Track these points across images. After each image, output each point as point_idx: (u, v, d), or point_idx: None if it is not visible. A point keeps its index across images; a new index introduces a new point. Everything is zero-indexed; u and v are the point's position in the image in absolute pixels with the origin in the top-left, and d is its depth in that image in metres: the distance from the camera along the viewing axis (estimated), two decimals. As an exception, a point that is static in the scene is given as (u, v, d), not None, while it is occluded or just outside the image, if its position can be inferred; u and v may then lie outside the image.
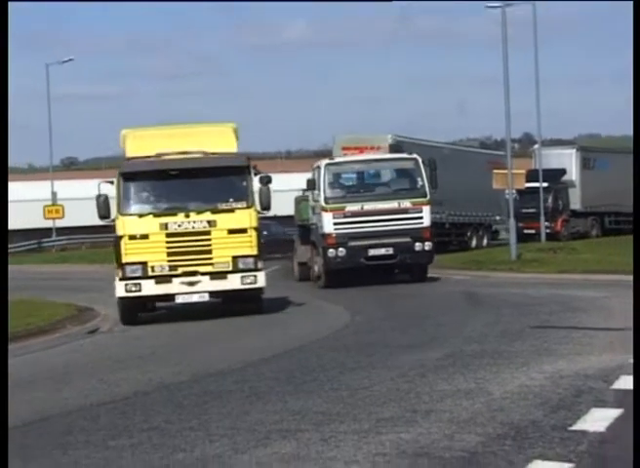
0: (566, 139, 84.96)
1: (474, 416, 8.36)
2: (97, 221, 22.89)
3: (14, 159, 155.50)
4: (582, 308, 18.33)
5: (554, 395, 9.25)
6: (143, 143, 21.81)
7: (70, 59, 70.73)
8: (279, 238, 41.85)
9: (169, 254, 20.59)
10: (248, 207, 20.66)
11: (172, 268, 20.56)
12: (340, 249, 26.76)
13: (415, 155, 28.21)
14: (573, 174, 51.20)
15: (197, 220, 20.57)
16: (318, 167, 28.19)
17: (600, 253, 35.64)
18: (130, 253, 20.61)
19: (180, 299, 20.88)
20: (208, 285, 20.55)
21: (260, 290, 20.69)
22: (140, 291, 20.48)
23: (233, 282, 20.40)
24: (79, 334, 21.24)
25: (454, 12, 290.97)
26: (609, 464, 6.62)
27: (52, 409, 10.63)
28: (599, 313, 17.43)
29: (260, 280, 20.50)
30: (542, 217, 47.37)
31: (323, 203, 27.23)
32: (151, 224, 20.66)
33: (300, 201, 30.98)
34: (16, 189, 75.05)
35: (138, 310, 21.43)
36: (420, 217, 27.09)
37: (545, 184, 45.65)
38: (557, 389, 9.55)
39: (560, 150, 51.64)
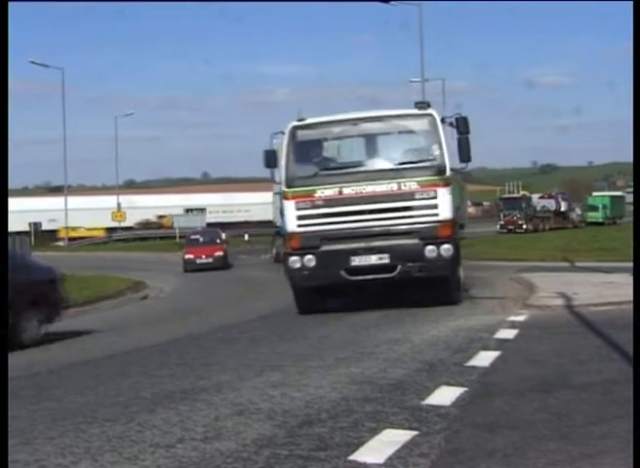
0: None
1: (401, 357, 8.35)
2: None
3: (94, 181, 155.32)
4: (475, 284, 18.32)
5: (455, 342, 9.24)
6: None
7: (131, 113, 73.75)
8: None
9: None
10: None
11: None
12: (308, 256, 12.57)
13: (431, 110, 12.94)
14: None
15: None
16: (282, 132, 13.09)
17: (487, 246, 35.72)
18: None
19: None
20: None
21: None
22: None
23: None
24: (134, 299, 21.17)
25: (387, 84, 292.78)
26: (489, 388, 6.62)
27: (116, 349, 10.57)
28: (485, 287, 17.46)
29: None
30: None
31: (284, 186, 12.81)
32: None
33: None
34: (93, 201, 75.55)
35: None
36: (434, 206, 12.53)
37: None
38: (457, 338, 9.55)
39: None
